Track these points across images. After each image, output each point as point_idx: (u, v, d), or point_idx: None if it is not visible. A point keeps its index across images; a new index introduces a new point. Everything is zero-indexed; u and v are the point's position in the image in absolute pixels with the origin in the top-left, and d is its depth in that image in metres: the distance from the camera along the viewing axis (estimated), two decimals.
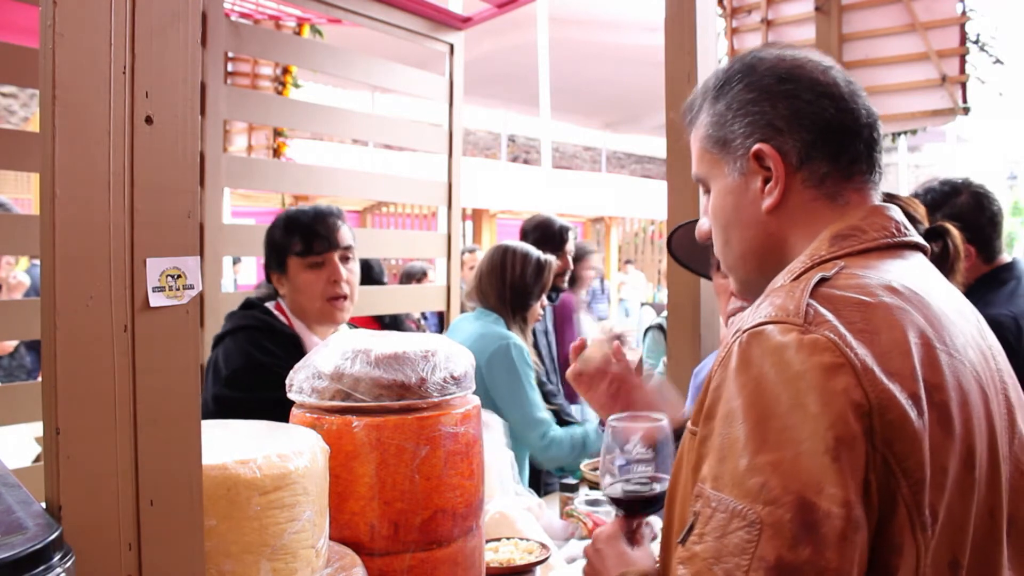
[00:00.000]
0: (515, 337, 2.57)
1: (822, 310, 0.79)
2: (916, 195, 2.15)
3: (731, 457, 0.76)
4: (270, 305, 2.00)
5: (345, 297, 1.95)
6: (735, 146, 0.95)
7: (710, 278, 1.62)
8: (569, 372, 1.44)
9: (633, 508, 1.10)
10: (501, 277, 2.66)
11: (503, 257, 2.69)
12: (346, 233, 1.98)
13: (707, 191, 1.02)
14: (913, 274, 0.87)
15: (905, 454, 0.74)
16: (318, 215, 1.96)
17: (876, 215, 0.92)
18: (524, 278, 2.66)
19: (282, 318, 1.97)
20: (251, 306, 1.99)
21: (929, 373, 0.78)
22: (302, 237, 1.93)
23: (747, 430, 0.75)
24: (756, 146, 0.93)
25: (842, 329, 0.77)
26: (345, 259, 1.97)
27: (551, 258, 2.76)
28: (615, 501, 1.11)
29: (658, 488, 1.09)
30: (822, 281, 0.83)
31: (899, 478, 0.74)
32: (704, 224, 1.05)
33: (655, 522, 1.17)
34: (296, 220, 1.97)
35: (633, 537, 1.08)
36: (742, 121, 0.94)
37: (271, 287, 2.03)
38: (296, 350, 1.86)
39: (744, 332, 0.81)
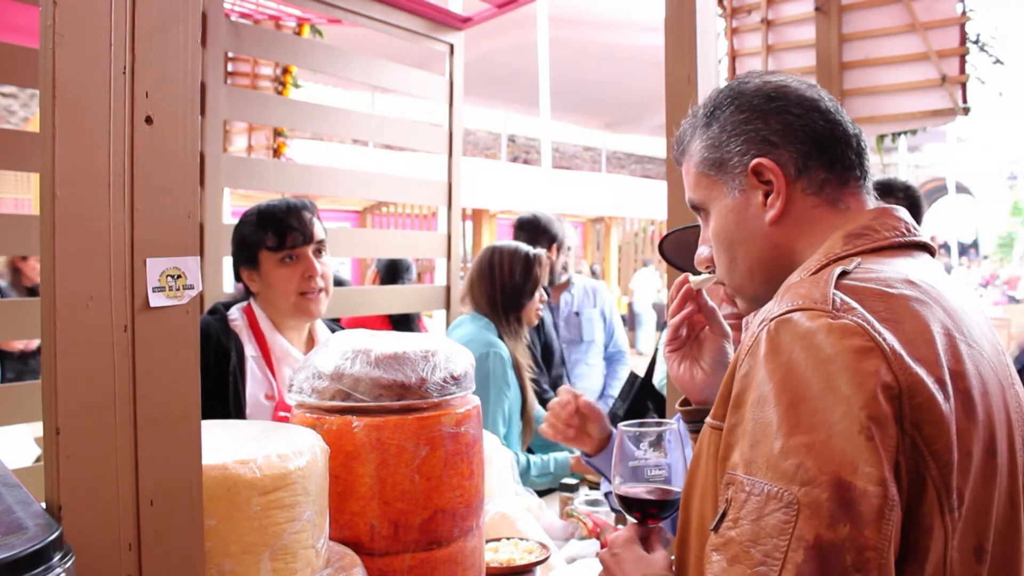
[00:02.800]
0: (501, 347, 2.55)
1: (848, 299, 0.81)
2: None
3: (764, 441, 0.77)
4: (237, 308, 1.95)
5: (320, 290, 1.91)
6: (732, 164, 0.98)
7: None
8: (541, 429, 1.57)
9: (648, 512, 1.10)
10: (491, 281, 2.64)
11: (490, 259, 2.68)
12: (319, 227, 1.94)
13: (705, 217, 1.05)
14: (926, 270, 0.90)
15: (934, 437, 0.76)
16: (291, 208, 1.92)
17: (886, 216, 0.94)
18: (513, 277, 2.63)
19: (240, 322, 1.92)
20: (214, 311, 1.96)
21: (952, 361, 0.80)
22: (275, 231, 1.89)
23: (779, 413, 0.77)
24: (754, 161, 0.95)
25: (869, 316, 0.79)
26: (318, 252, 1.93)
27: (541, 252, 2.72)
28: (629, 505, 1.10)
29: (672, 492, 1.09)
30: (843, 274, 0.85)
31: (928, 460, 0.76)
32: (703, 252, 1.07)
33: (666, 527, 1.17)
34: (269, 214, 1.91)
35: (648, 541, 1.08)
36: (737, 140, 0.97)
37: (242, 287, 1.99)
38: (223, 357, 1.84)
39: (771, 320, 0.82)
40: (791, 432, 0.75)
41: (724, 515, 0.79)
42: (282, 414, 1.77)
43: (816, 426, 0.74)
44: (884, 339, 0.77)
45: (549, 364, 3.19)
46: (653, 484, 1.10)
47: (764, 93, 0.97)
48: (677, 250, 1.61)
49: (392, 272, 3.82)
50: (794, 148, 0.95)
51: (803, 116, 0.95)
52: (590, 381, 3.55)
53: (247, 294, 1.98)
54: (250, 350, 1.90)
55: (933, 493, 0.76)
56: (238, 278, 1.99)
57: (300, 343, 1.97)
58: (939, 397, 0.77)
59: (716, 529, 0.79)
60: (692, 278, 1.17)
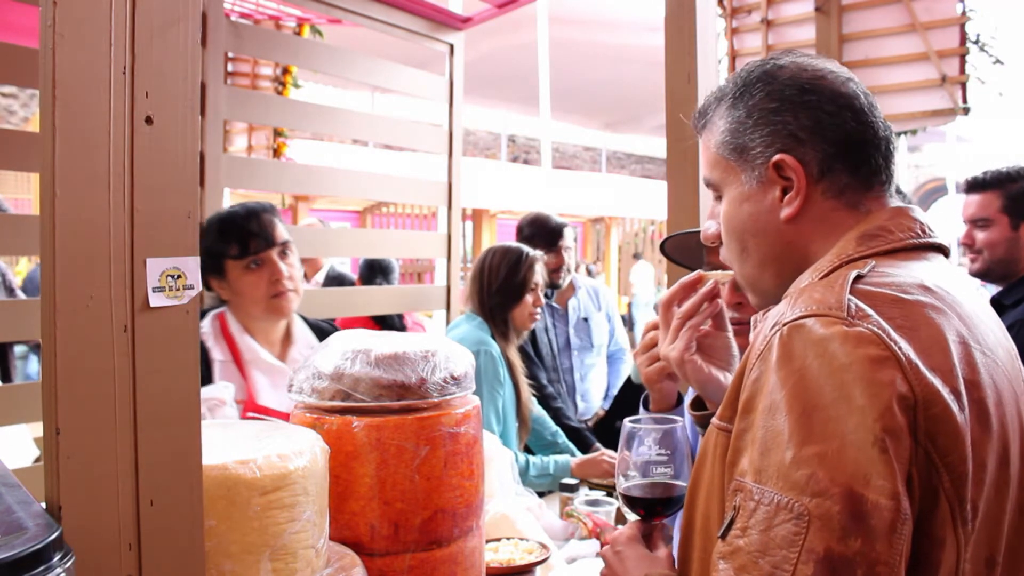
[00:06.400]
0: (492, 345, 2.54)
1: (863, 305, 0.79)
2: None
3: (775, 450, 0.75)
4: (211, 315, 1.95)
5: (291, 291, 1.91)
6: (754, 154, 0.94)
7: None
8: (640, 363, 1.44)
9: (652, 510, 1.09)
10: (480, 281, 2.63)
11: (483, 260, 2.67)
12: (281, 228, 1.93)
13: (717, 196, 1.02)
14: (941, 274, 0.88)
15: (948, 448, 0.75)
16: (251, 213, 1.90)
17: (901, 216, 0.92)
18: (499, 277, 2.61)
19: (208, 329, 1.92)
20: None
21: (967, 370, 0.79)
22: (237, 239, 1.87)
23: (792, 422, 0.75)
24: (777, 156, 0.92)
25: (885, 324, 0.77)
26: (283, 255, 1.91)
27: (536, 253, 2.68)
28: (632, 503, 1.10)
29: (676, 488, 1.08)
30: (858, 278, 0.83)
31: (941, 472, 0.75)
32: (711, 227, 1.04)
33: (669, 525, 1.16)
34: (230, 221, 1.89)
35: (651, 539, 1.08)
36: (763, 130, 0.94)
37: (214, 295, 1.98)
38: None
39: (784, 325, 0.80)
40: (803, 442, 0.74)
41: (732, 523, 0.77)
42: (251, 415, 1.77)
43: (829, 436, 0.73)
44: (900, 348, 0.75)
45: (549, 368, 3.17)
46: (657, 481, 1.09)
47: (799, 83, 0.93)
48: (679, 251, 1.60)
49: (371, 272, 3.81)
50: (820, 148, 0.91)
51: (835, 115, 0.91)
52: (601, 384, 3.54)
53: (221, 300, 1.98)
54: (217, 355, 1.90)
55: (946, 506, 0.75)
56: (208, 287, 1.96)
57: (275, 342, 1.97)
58: (954, 408, 0.75)
59: (724, 536, 0.78)
60: (712, 274, 1.12)
